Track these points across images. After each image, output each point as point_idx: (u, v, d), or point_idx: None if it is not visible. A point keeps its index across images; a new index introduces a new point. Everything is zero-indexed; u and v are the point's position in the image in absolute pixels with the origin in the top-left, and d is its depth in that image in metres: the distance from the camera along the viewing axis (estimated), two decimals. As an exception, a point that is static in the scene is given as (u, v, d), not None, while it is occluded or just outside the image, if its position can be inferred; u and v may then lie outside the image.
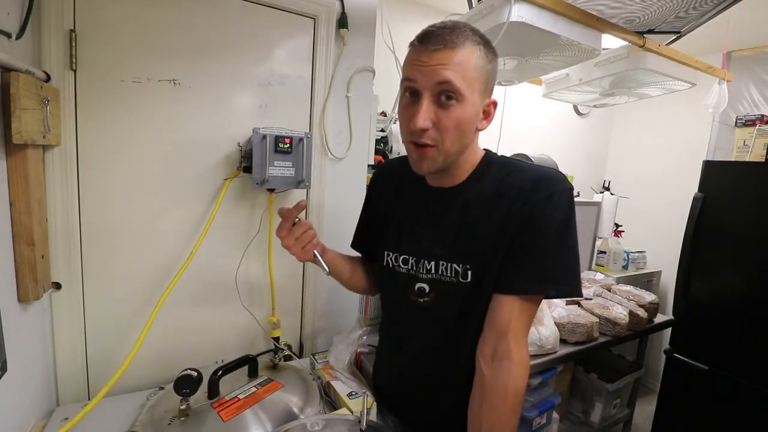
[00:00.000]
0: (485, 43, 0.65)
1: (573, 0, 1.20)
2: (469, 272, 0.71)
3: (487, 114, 0.70)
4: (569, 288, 0.67)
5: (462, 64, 0.62)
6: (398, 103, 0.70)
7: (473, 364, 0.71)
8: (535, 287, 0.66)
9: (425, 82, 0.63)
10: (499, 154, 0.79)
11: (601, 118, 3.04)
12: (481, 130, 0.71)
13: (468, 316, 0.73)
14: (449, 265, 0.73)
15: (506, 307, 0.66)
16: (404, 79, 0.67)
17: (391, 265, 0.82)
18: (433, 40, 0.62)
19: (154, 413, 0.86)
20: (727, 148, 2.40)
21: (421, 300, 0.77)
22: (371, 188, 0.94)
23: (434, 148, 0.66)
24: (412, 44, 0.66)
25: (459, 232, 0.73)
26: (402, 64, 0.69)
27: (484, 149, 0.78)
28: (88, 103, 0.90)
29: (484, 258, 0.69)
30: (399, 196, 0.84)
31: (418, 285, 0.77)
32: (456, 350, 0.77)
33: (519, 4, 1.06)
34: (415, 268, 0.78)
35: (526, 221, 0.66)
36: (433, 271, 0.75)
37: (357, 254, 0.99)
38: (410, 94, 0.66)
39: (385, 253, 0.83)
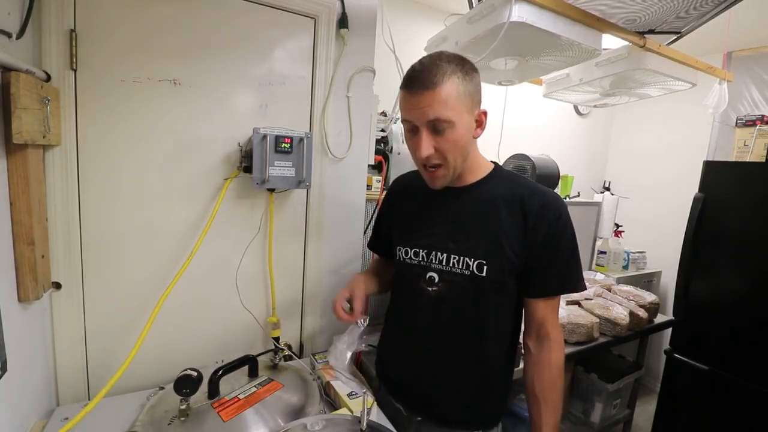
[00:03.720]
0: (461, 66, 0.74)
1: (574, 0, 1.20)
2: (486, 267, 0.80)
3: (480, 123, 0.80)
4: (581, 285, 0.84)
5: (446, 98, 0.72)
6: (403, 135, 0.83)
7: (484, 353, 0.84)
8: (562, 288, 0.83)
9: (419, 121, 0.75)
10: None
11: (601, 118, 3.03)
12: (476, 137, 0.81)
13: (479, 306, 0.82)
14: (461, 258, 0.81)
15: (542, 306, 0.84)
16: (403, 120, 0.79)
17: (402, 259, 0.91)
18: (416, 85, 0.73)
19: (154, 413, 0.86)
20: (728, 149, 2.40)
21: (431, 289, 0.85)
22: (386, 196, 1.06)
23: (441, 167, 0.79)
24: (401, 87, 0.78)
25: (472, 229, 0.82)
26: (398, 102, 0.81)
27: (493, 162, 0.89)
28: (88, 103, 0.90)
29: (500, 256, 0.80)
30: (410, 197, 0.95)
31: (429, 274, 0.86)
32: (464, 339, 0.84)
33: (519, 4, 1.06)
34: (426, 260, 0.86)
35: (543, 237, 0.79)
36: (444, 263, 0.84)
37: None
38: (410, 129, 0.79)
39: (398, 248, 0.92)
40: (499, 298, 0.83)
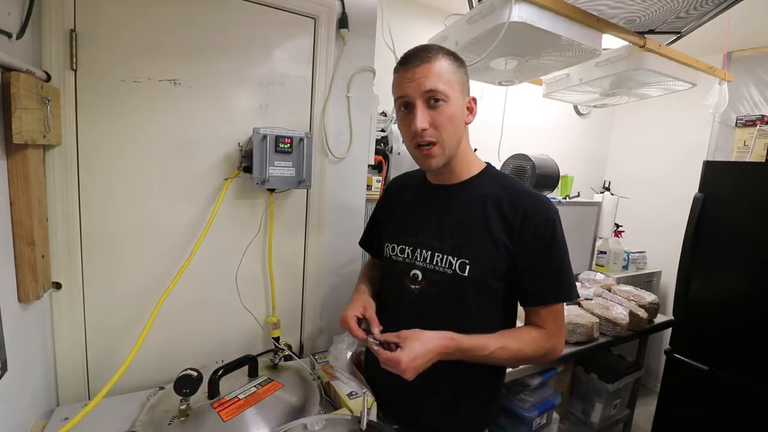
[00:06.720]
0: (452, 54, 0.78)
1: (574, 0, 1.20)
2: (468, 267, 0.78)
3: (470, 109, 0.82)
4: (574, 293, 0.81)
5: (440, 72, 0.74)
6: (396, 120, 0.79)
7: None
8: (555, 296, 0.80)
9: (415, 93, 0.74)
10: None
11: (601, 118, 3.03)
12: (468, 123, 0.82)
13: (460, 307, 0.80)
14: (444, 257, 0.81)
15: (539, 316, 0.81)
16: (397, 97, 0.79)
17: (388, 255, 0.90)
18: (411, 60, 0.75)
19: (154, 413, 0.86)
20: (728, 149, 2.40)
21: (413, 287, 0.84)
22: (382, 195, 1.05)
23: (437, 145, 0.77)
24: (396, 69, 0.79)
25: (458, 228, 0.81)
26: (392, 87, 0.80)
27: (486, 162, 0.88)
28: (88, 103, 0.90)
29: (485, 257, 0.78)
30: (404, 196, 0.95)
31: (413, 272, 0.85)
32: None
33: (519, 4, 1.06)
34: (411, 257, 0.86)
35: (531, 239, 0.77)
36: (428, 261, 0.83)
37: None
38: (405, 108, 0.78)
39: (386, 244, 0.92)
40: (482, 300, 0.80)
